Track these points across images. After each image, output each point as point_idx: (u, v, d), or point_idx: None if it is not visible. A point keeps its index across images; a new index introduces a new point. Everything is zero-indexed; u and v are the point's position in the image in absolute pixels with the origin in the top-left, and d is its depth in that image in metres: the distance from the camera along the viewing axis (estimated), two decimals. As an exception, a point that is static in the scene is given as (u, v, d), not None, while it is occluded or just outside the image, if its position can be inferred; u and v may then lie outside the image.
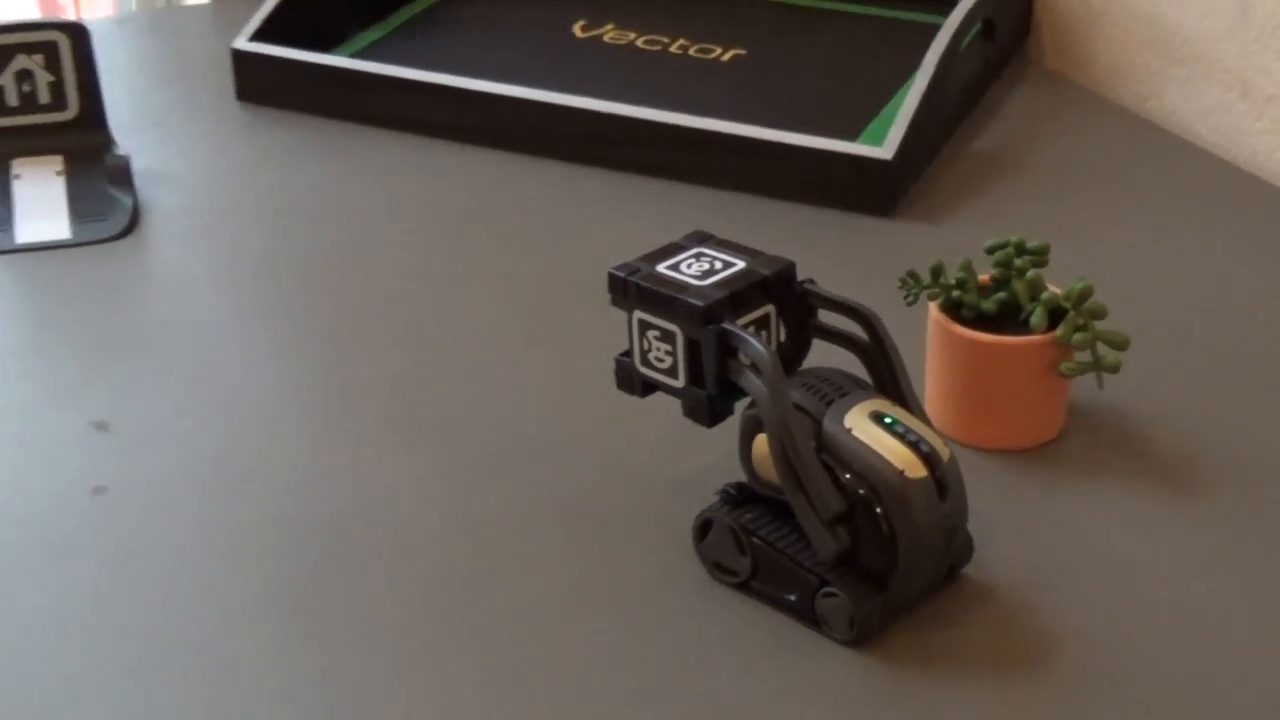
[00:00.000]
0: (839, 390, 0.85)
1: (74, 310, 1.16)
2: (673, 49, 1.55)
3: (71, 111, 1.34)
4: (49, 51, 1.33)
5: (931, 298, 1.00)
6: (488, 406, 1.04)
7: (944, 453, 0.83)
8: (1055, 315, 0.97)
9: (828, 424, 0.83)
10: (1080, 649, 0.84)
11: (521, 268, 1.21)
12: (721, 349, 0.85)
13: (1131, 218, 1.28)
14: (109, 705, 0.81)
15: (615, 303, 0.89)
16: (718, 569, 0.89)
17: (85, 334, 1.13)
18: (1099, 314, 0.97)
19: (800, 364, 0.91)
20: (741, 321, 0.87)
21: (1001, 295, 0.99)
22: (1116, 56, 1.49)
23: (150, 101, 1.50)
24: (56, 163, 1.33)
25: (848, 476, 0.82)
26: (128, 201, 1.29)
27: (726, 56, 1.53)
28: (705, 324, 0.84)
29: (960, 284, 0.99)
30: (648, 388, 0.90)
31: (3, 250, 1.23)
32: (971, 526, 0.93)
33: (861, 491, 0.81)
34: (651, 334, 0.87)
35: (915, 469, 0.81)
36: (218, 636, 0.85)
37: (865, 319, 0.88)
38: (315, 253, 1.23)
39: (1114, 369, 0.98)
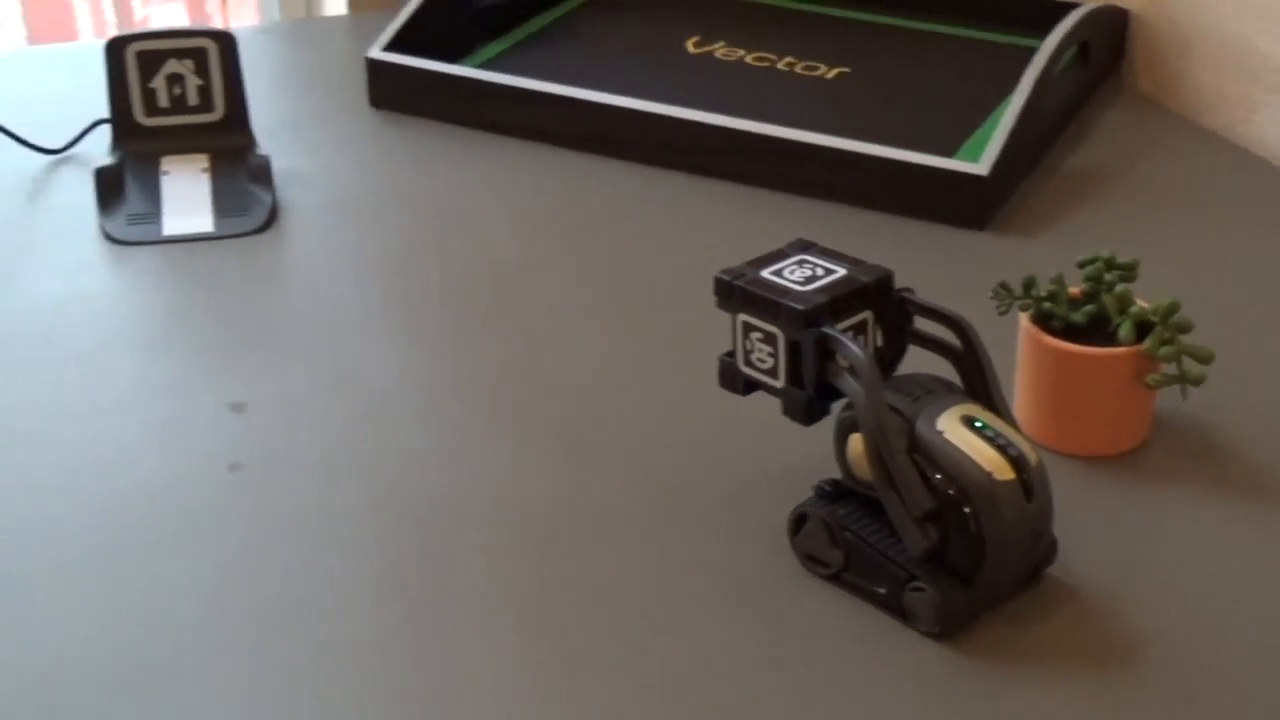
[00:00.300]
0: (931, 394, 0.84)
1: (215, 299, 1.17)
2: (780, 66, 1.54)
3: (218, 113, 1.36)
4: (198, 57, 1.34)
5: (1023, 309, 0.99)
6: (594, 400, 1.04)
7: (1032, 457, 0.82)
8: (1143, 329, 0.96)
9: (920, 426, 0.82)
10: (1160, 651, 0.83)
11: (632, 270, 1.21)
12: (821, 352, 0.85)
13: (1218, 238, 1.26)
14: (229, 672, 0.82)
15: (721, 305, 0.88)
16: (811, 560, 0.88)
17: (225, 321, 1.14)
18: (1185, 328, 0.95)
19: (895, 368, 0.91)
20: (841, 326, 0.86)
21: (1091, 308, 0.97)
22: (1208, 83, 1.46)
23: (290, 106, 1.52)
24: (202, 161, 1.35)
25: (938, 476, 0.81)
26: (267, 199, 1.31)
27: (831, 74, 1.52)
28: (806, 327, 0.84)
29: (1051, 296, 0.98)
30: (749, 386, 0.90)
31: (151, 241, 1.25)
32: (1057, 528, 0.91)
33: (951, 491, 0.81)
34: (755, 336, 0.87)
35: (1003, 471, 0.81)
36: (336, 611, 0.86)
37: (960, 327, 0.87)
38: (439, 251, 1.24)
39: (1198, 382, 0.96)
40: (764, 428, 1.00)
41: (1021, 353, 0.99)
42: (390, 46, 1.50)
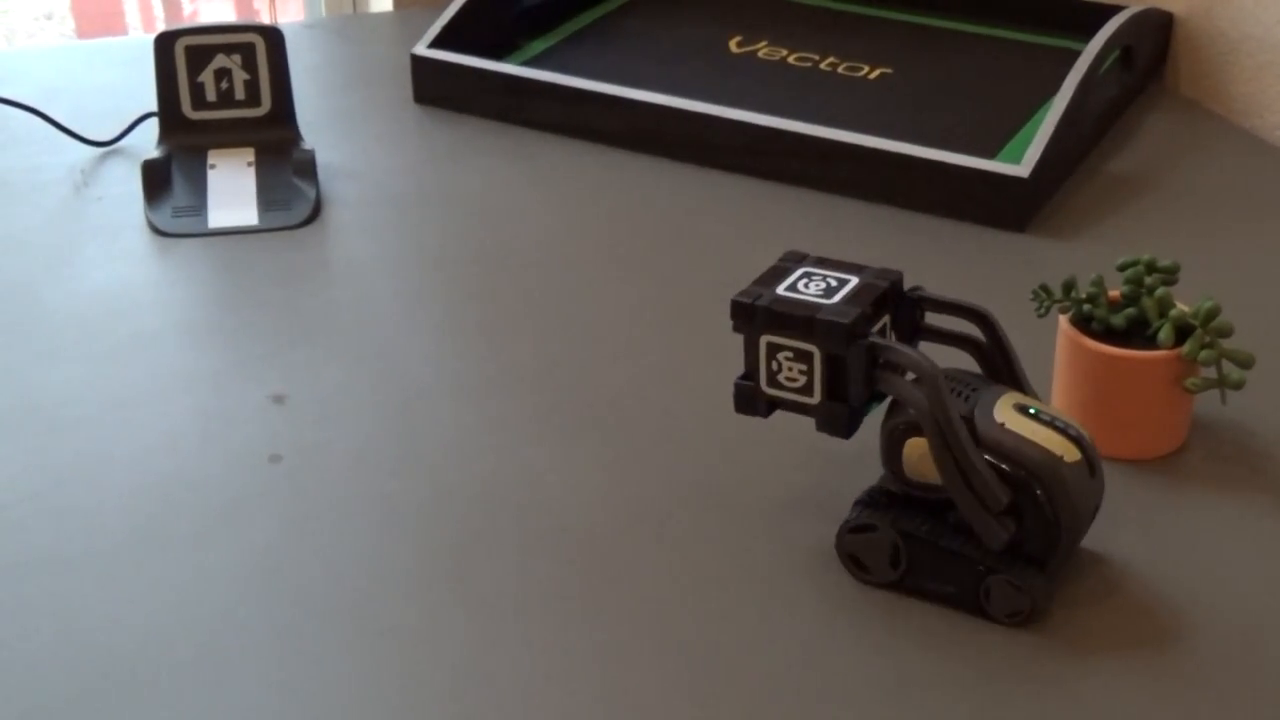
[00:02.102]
0: (973, 389, 0.85)
1: (258, 292, 1.18)
2: (822, 66, 1.53)
3: (264, 108, 1.36)
4: (246, 52, 1.35)
5: (1063, 311, 0.98)
6: (633, 398, 1.04)
7: (1087, 434, 0.84)
8: (1182, 332, 0.95)
9: (980, 421, 0.82)
10: (1200, 645, 0.82)
11: (671, 267, 1.21)
12: (869, 362, 0.83)
13: (1260, 241, 1.25)
14: (266, 660, 0.82)
15: (739, 328, 0.85)
16: (869, 572, 0.87)
17: (267, 314, 1.15)
18: (1225, 332, 0.95)
19: None
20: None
21: (1131, 311, 0.97)
22: (1250, 86, 1.45)
23: (335, 101, 1.52)
24: (248, 155, 1.35)
25: (1006, 468, 0.81)
26: (311, 193, 1.31)
27: (873, 75, 1.51)
28: (851, 340, 0.82)
29: (1091, 299, 0.97)
30: (771, 407, 0.87)
31: (197, 233, 1.26)
32: (1097, 529, 0.91)
33: (1025, 479, 0.81)
34: (783, 355, 0.84)
35: (1071, 453, 0.82)
36: (373, 600, 0.86)
37: (983, 318, 0.88)
38: (480, 246, 1.24)
39: (1238, 386, 0.95)
40: (803, 426, 1.00)
41: (1060, 355, 0.98)
42: (435, 43, 1.50)
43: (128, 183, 1.34)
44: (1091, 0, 1.60)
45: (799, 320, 0.83)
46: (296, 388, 1.06)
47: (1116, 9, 1.50)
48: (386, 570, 0.88)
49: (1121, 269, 0.98)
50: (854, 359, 0.82)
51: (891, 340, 0.85)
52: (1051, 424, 0.83)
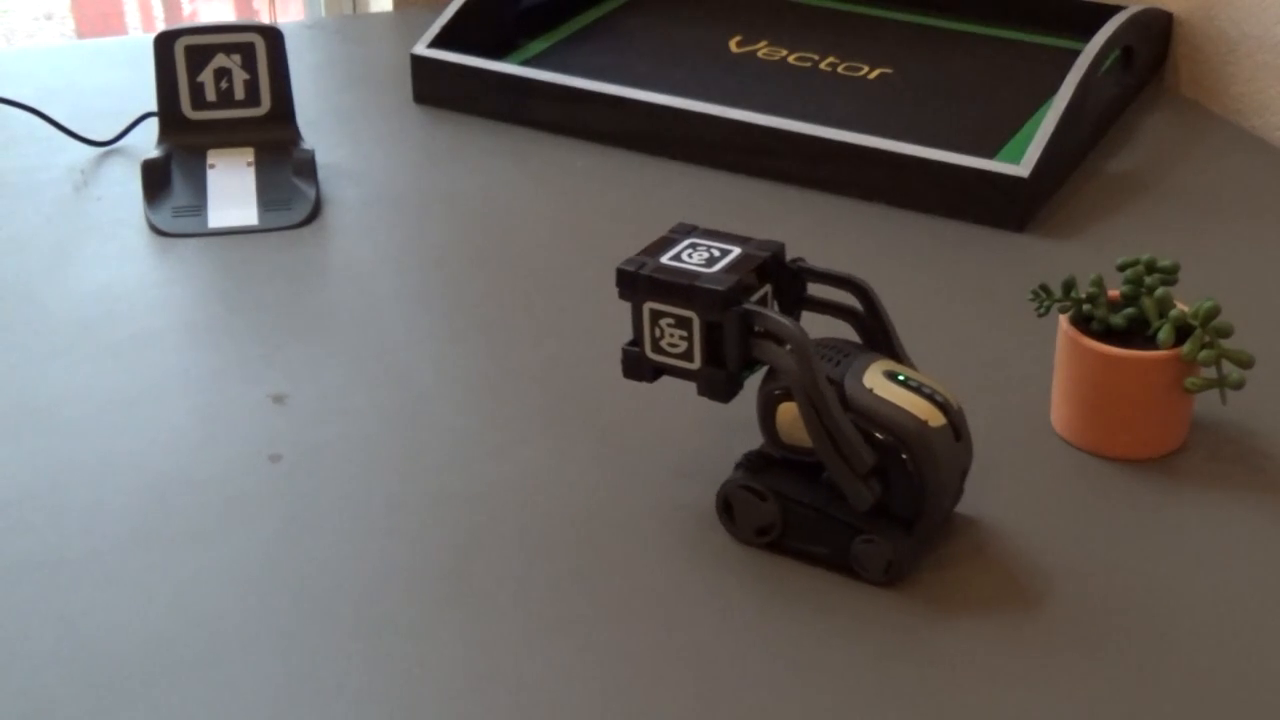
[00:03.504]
0: (846, 355, 0.87)
1: (258, 291, 1.18)
2: (822, 66, 1.53)
3: (264, 108, 1.36)
4: (246, 52, 1.35)
5: (1062, 311, 0.98)
6: (631, 397, 1.04)
7: (954, 401, 0.87)
8: (1182, 332, 0.95)
9: (849, 386, 0.85)
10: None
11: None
12: (743, 329, 0.86)
13: (1260, 241, 1.25)
14: (267, 659, 0.82)
15: (624, 295, 0.88)
16: (747, 532, 0.90)
17: (267, 313, 1.15)
18: (1225, 332, 0.95)
19: None
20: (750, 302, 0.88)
21: (1131, 311, 0.97)
22: (1250, 86, 1.45)
23: (335, 101, 1.52)
24: (248, 155, 1.35)
25: (872, 432, 0.84)
26: (311, 193, 1.31)
27: (873, 74, 1.51)
28: (726, 308, 0.85)
29: (1091, 298, 0.97)
30: (657, 373, 0.90)
31: (196, 233, 1.26)
32: (1093, 531, 0.91)
33: (891, 443, 0.83)
34: (665, 322, 0.87)
35: (935, 418, 0.85)
36: (373, 600, 0.86)
37: (860, 288, 0.90)
38: (480, 245, 1.24)
39: (1238, 386, 0.95)
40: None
41: (1060, 355, 0.98)
42: (435, 43, 1.50)
43: (127, 182, 1.34)
44: (1091, 0, 1.60)
45: (679, 288, 0.86)
46: (296, 387, 1.06)
47: (1116, 9, 1.51)
48: (386, 570, 0.88)
49: (1121, 269, 0.98)
50: (730, 326, 0.85)
51: (771, 309, 0.87)
52: (918, 390, 0.85)
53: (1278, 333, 1.11)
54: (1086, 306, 0.97)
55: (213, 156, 1.35)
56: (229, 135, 1.36)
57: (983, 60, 1.55)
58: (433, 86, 1.50)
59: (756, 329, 0.86)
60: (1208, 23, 1.49)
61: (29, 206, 1.30)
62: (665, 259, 0.88)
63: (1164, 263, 0.98)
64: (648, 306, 0.88)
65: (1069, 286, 0.97)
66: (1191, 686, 0.80)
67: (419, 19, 1.73)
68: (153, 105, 1.42)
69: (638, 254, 0.89)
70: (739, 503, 0.89)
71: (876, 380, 0.85)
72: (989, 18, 1.65)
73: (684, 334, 0.87)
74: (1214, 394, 1.04)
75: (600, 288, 1.18)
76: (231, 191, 1.31)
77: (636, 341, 0.89)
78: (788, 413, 0.86)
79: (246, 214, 1.28)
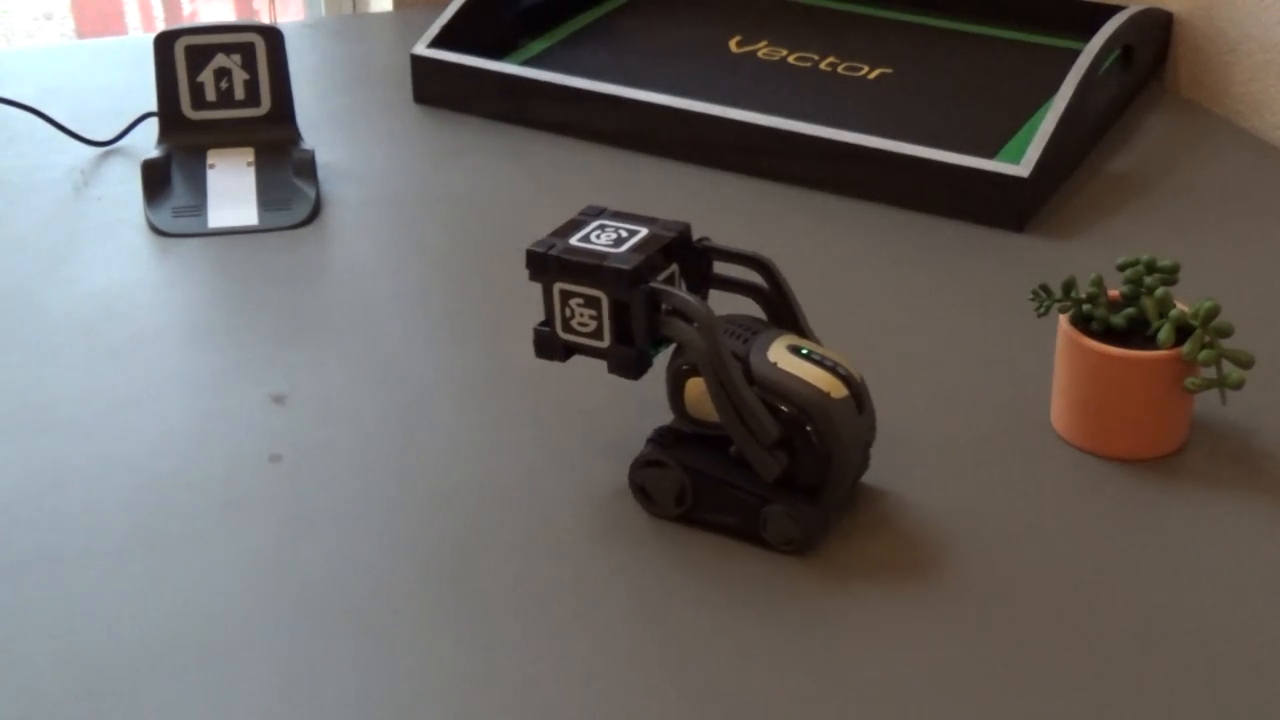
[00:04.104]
0: (752, 331, 0.90)
1: (258, 292, 1.18)
2: (822, 66, 1.53)
3: (264, 108, 1.36)
4: (246, 52, 1.35)
5: (1062, 311, 0.98)
6: (633, 396, 1.04)
7: (856, 374, 0.89)
8: (1182, 332, 0.95)
9: (754, 361, 0.87)
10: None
11: (672, 267, 1.21)
12: (650, 307, 0.87)
13: (1260, 241, 1.25)
14: (266, 659, 0.82)
15: (534, 277, 0.90)
16: (658, 505, 0.92)
17: (267, 314, 1.15)
18: (1225, 332, 0.95)
19: None
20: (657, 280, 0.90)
21: (1130, 311, 0.97)
22: (1250, 86, 1.45)
23: (334, 101, 1.52)
24: (248, 155, 1.35)
25: (785, 409, 0.86)
26: (311, 193, 1.31)
27: (873, 74, 1.51)
28: (633, 286, 0.87)
29: (1091, 299, 0.97)
30: (568, 352, 0.91)
31: (196, 234, 1.26)
32: (1093, 531, 0.91)
33: (794, 415, 0.86)
34: (575, 302, 0.89)
35: (838, 390, 0.87)
36: (372, 600, 0.86)
37: (764, 266, 0.92)
38: (479, 246, 1.24)
39: (1237, 386, 0.95)
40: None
41: (1060, 354, 0.98)
42: (435, 43, 1.50)
43: (127, 182, 1.34)
44: (1091, 0, 1.60)
45: (587, 268, 0.87)
46: (296, 387, 1.06)
47: (1116, 9, 1.51)
48: (386, 570, 0.88)
49: (1121, 269, 0.98)
50: (637, 304, 0.87)
51: (678, 288, 0.90)
52: (821, 363, 0.88)
53: (1277, 333, 1.11)
54: (1086, 306, 0.97)
55: (213, 156, 1.35)
56: (229, 135, 1.36)
57: (983, 60, 1.55)
58: (433, 86, 1.50)
59: (664, 307, 0.88)
60: (1208, 23, 1.49)
61: (29, 206, 1.30)
62: (574, 240, 0.90)
63: (1164, 263, 0.98)
64: (558, 287, 0.89)
65: (1069, 286, 0.97)
66: (1191, 686, 0.80)
67: (419, 19, 1.74)
68: (153, 105, 1.42)
69: (548, 235, 0.91)
70: (650, 477, 0.91)
71: (781, 355, 0.88)
72: (989, 18, 1.65)
73: (593, 313, 0.89)
74: (1214, 394, 1.04)
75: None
76: (231, 191, 1.31)
77: (548, 321, 0.91)
78: (695, 388, 0.89)
79: (246, 214, 1.28)
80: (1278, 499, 0.94)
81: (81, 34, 3.38)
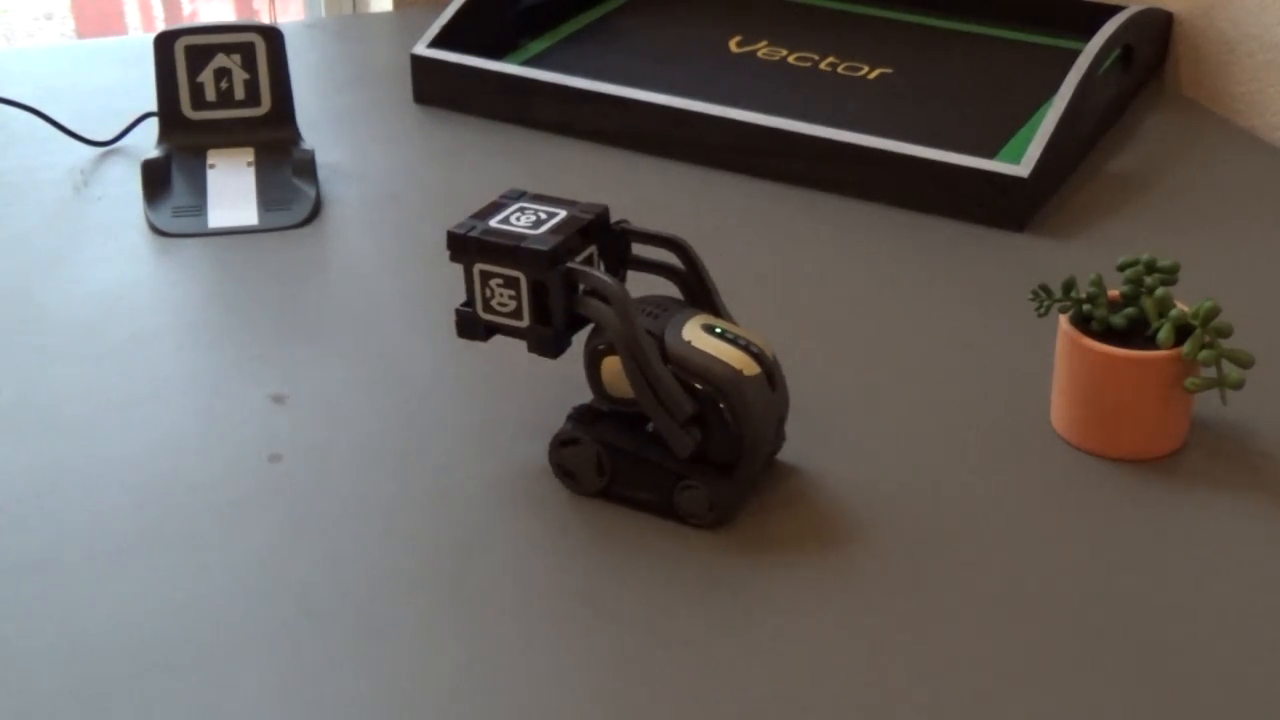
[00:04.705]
0: (667, 311, 0.91)
1: (258, 292, 1.18)
2: (822, 66, 1.54)
3: (264, 108, 1.36)
4: (246, 52, 1.35)
5: (1062, 311, 0.98)
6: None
7: (768, 351, 0.91)
8: (1182, 332, 0.95)
9: (669, 339, 0.89)
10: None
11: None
12: (567, 287, 0.89)
13: (1259, 241, 1.25)
14: (267, 659, 0.82)
15: (455, 258, 0.91)
16: (577, 481, 0.94)
17: (267, 314, 1.15)
18: (1225, 332, 0.95)
19: None
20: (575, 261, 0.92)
21: (1130, 311, 0.97)
22: (1251, 86, 1.45)
23: (335, 101, 1.52)
24: (248, 155, 1.35)
25: (699, 386, 0.88)
26: (311, 193, 1.31)
27: (873, 74, 1.51)
28: (551, 267, 0.88)
29: (1091, 298, 0.97)
30: (490, 332, 0.93)
31: (196, 233, 1.26)
32: (1094, 532, 0.91)
33: (708, 392, 0.88)
34: (494, 282, 0.91)
35: (750, 367, 0.89)
36: (373, 600, 0.86)
37: (680, 247, 0.94)
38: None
39: (1237, 386, 0.95)
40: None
41: (1060, 354, 0.98)
42: (435, 43, 1.50)
43: (127, 182, 1.34)
44: (1091, 0, 1.60)
45: (506, 249, 0.89)
46: (296, 387, 1.06)
47: (1116, 9, 1.51)
48: (386, 570, 0.88)
49: (1121, 269, 0.98)
50: (554, 284, 0.89)
51: (596, 268, 0.92)
52: (734, 341, 0.90)
53: (1278, 333, 1.12)
54: (1086, 306, 0.97)
55: (213, 156, 1.35)
56: (229, 135, 1.36)
57: (983, 60, 1.55)
58: (433, 86, 1.50)
59: (581, 287, 0.89)
60: (1208, 23, 1.49)
61: (29, 206, 1.30)
62: (494, 222, 0.92)
63: (1164, 263, 0.98)
64: (478, 268, 0.91)
65: (1069, 286, 0.97)
66: (1191, 687, 0.80)
67: (419, 19, 1.74)
68: (153, 105, 1.42)
69: (468, 218, 0.93)
70: (568, 455, 0.93)
71: (695, 333, 0.90)
72: (989, 18, 1.65)
73: (512, 293, 0.90)
74: (1214, 394, 1.04)
75: (600, 288, 1.18)
76: (231, 191, 1.31)
77: (469, 302, 0.93)
78: (612, 366, 0.91)
79: (246, 214, 1.28)
80: (1277, 499, 0.94)
81: (81, 34, 3.38)
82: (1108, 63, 1.43)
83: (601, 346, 0.90)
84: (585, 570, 0.88)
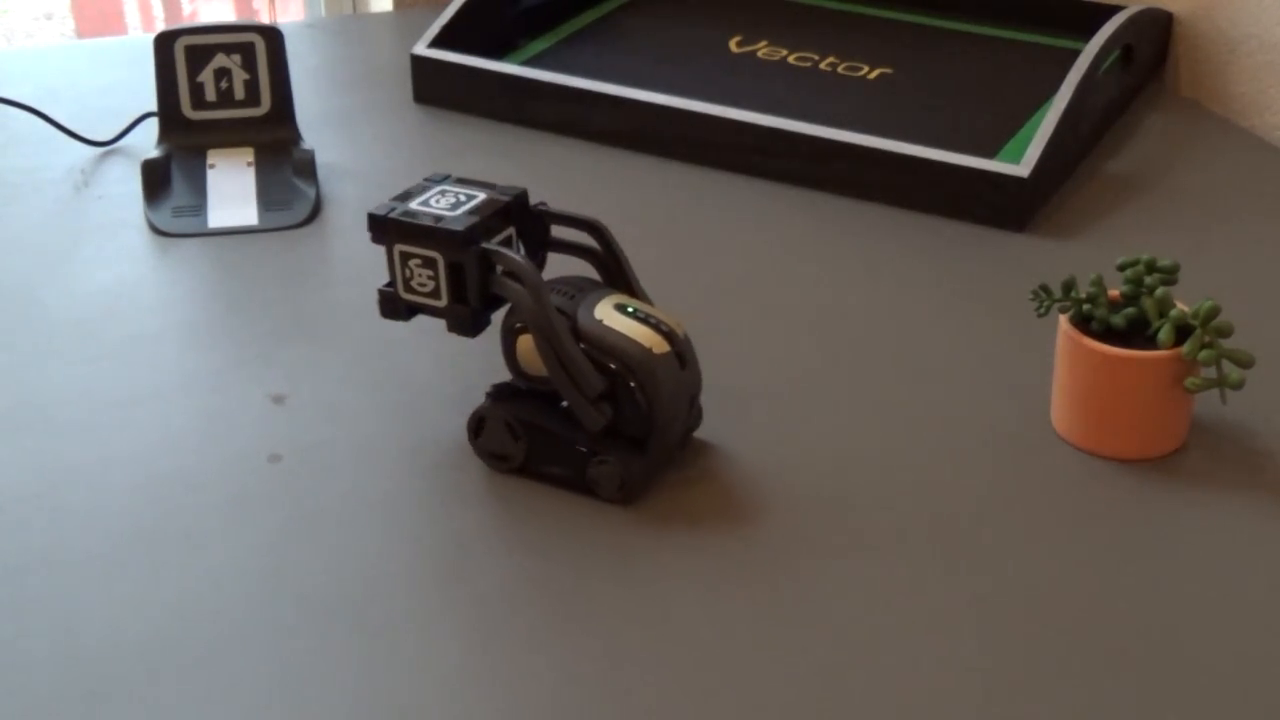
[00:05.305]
0: (582, 291, 0.93)
1: (258, 291, 1.18)
2: (822, 66, 1.54)
3: (264, 108, 1.36)
4: (246, 52, 1.35)
5: (1062, 311, 0.98)
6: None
7: (679, 330, 0.93)
8: (1182, 332, 0.95)
9: (581, 318, 0.91)
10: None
11: (671, 266, 1.21)
12: (483, 267, 0.91)
13: (1260, 241, 1.25)
14: (267, 659, 0.82)
15: (376, 240, 0.93)
16: (493, 458, 0.96)
17: (267, 313, 1.15)
18: (1225, 332, 0.95)
19: (541, 275, 0.99)
20: (492, 243, 0.93)
21: (1131, 311, 0.97)
22: (1250, 86, 1.45)
23: (335, 101, 1.52)
24: (248, 155, 1.35)
25: (609, 364, 0.90)
26: (311, 192, 1.31)
27: (873, 74, 1.51)
28: (466, 247, 0.90)
29: (1091, 298, 0.97)
30: (411, 311, 0.95)
31: (196, 233, 1.26)
32: (1095, 533, 0.91)
33: (617, 369, 0.90)
34: (414, 263, 0.93)
35: (660, 346, 0.91)
36: (373, 600, 0.86)
37: (596, 229, 0.96)
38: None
39: (1237, 386, 0.95)
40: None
41: (1060, 354, 0.98)
42: (435, 43, 1.50)
43: (127, 182, 1.34)
44: (1091, 0, 1.60)
45: (424, 230, 0.91)
46: (296, 387, 1.06)
47: (1116, 9, 1.51)
48: (387, 570, 0.88)
49: (1121, 269, 0.98)
50: (469, 264, 0.91)
51: (516, 250, 0.95)
52: (645, 320, 0.92)
53: (1278, 332, 1.11)
54: (1086, 306, 0.97)
55: (213, 156, 1.35)
56: (229, 135, 1.36)
57: (983, 60, 1.55)
58: (433, 86, 1.50)
59: (498, 268, 0.91)
60: (1208, 23, 1.49)
61: (29, 206, 1.30)
62: (414, 204, 0.94)
63: (1164, 263, 0.98)
64: (398, 248, 0.93)
65: (1069, 286, 0.97)
66: (1192, 687, 0.80)
67: (419, 19, 1.74)
68: (153, 105, 1.42)
69: (390, 199, 0.95)
70: (486, 431, 0.95)
71: (607, 312, 0.92)
72: (989, 18, 1.65)
73: (431, 274, 0.92)
74: (1214, 394, 1.04)
75: (600, 288, 1.18)
76: (231, 191, 1.31)
77: (391, 283, 0.94)
78: (526, 344, 0.93)
79: (246, 214, 1.28)
80: (1278, 499, 0.94)
81: (81, 34, 3.38)
82: (1108, 63, 1.43)
83: (517, 325, 0.92)
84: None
